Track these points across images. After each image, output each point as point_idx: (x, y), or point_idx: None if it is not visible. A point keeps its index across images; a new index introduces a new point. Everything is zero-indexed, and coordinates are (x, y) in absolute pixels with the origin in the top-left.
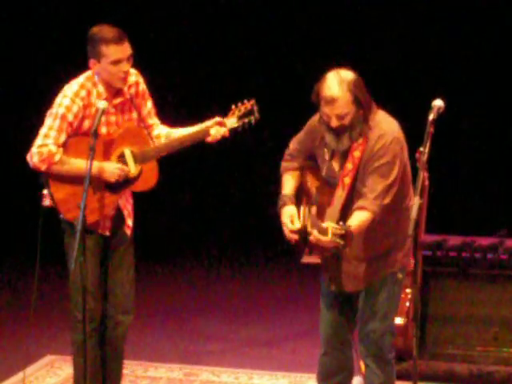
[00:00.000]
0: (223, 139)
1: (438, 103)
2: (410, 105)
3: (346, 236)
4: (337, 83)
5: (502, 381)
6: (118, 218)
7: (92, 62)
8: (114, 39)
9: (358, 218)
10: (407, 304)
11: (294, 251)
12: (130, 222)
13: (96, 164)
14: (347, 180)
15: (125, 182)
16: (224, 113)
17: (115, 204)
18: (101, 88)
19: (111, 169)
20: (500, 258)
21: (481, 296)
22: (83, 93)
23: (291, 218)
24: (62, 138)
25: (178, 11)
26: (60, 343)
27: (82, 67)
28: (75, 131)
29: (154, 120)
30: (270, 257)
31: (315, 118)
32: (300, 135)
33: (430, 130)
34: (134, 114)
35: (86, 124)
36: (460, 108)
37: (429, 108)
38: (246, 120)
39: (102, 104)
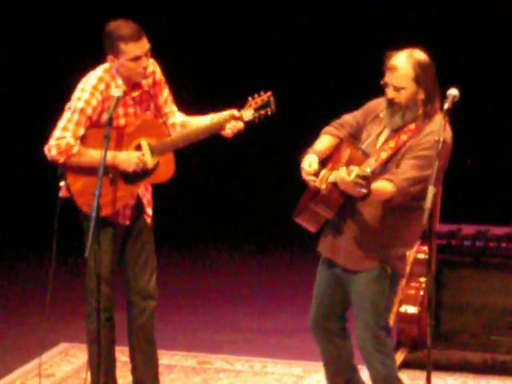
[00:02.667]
0: (238, 133)
1: (453, 92)
2: None
3: (369, 181)
4: (404, 56)
5: None
6: (138, 206)
7: (110, 57)
8: (133, 37)
9: (382, 185)
10: (421, 293)
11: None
12: (149, 210)
13: (113, 154)
14: (383, 155)
15: (142, 174)
16: (237, 100)
17: (134, 194)
18: (119, 81)
19: (129, 158)
20: None
21: (495, 285)
22: (102, 86)
23: (310, 163)
24: (81, 131)
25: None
26: (74, 331)
27: (92, 61)
28: (94, 124)
29: (169, 108)
30: (285, 246)
31: (377, 100)
32: (356, 112)
33: (445, 119)
34: (152, 105)
35: (105, 117)
36: (474, 96)
37: (444, 97)
38: (263, 112)
39: (116, 92)
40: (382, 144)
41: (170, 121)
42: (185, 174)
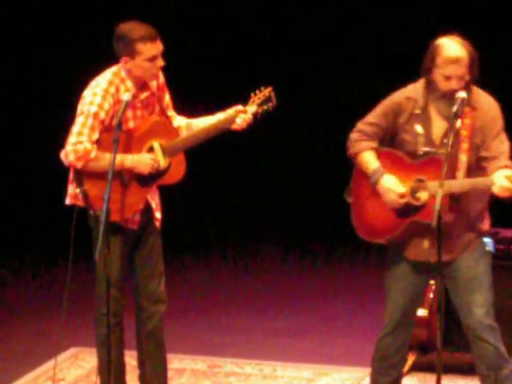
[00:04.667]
0: (248, 127)
1: (462, 95)
2: None
3: None
4: (459, 45)
5: None
6: (147, 210)
7: (124, 59)
8: (151, 37)
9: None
10: (431, 295)
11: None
12: (158, 214)
13: (130, 157)
14: (465, 145)
15: (155, 176)
16: (236, 101)
17: (145, 198)
18: (129, 83)
19: (145, 160)
20: None
21: (506, 287)
22: (112, 89)
23: (395, 183)
24: (95, 135)
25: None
26: (85, 335)
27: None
28: (106, 128)
29: (171, 112)
30: (293, 249)
31: (398, 96)
32: (375, 117)
33: (454, 122)
34: (157, 108)
35: (115, 121)
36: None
37: None
38: (265, 107)
39: (125, 96)
40: (453, 135)
41: (175, 124)
42: (192, 176)
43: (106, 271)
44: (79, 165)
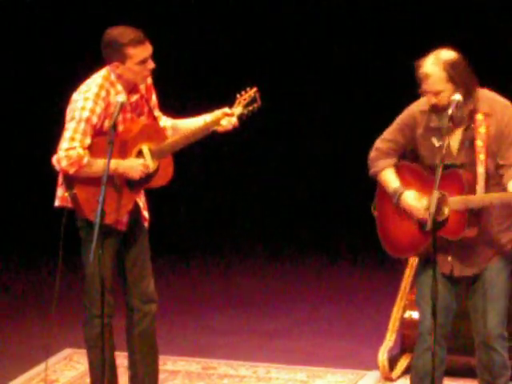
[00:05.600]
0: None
1: (457, 98)
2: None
3: None
4: (431, 61)
5: None
6: (135, 211)
7: (115, 64)
8: (140, 40)
9: None
10: None
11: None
12: (145, 213)
13: (117, 162)
14: (482, 156)
15: (144, 179)
16: (222, 102)
17: (134, 200)
18: (119, 87)
19: (136, 166)
20: None
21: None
22: (103, 93)
23: (416, 199)
24: (88, 140)
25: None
26: (78, 336)
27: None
28: (97, 133)
29: (158, 112)
30: (287, 250)
31: (412, 109)
32: (391, 133)
33: (449, 124)
34: (146, 109)
35: (107, 124)
36: None
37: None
38: (251, 108)
39: (120, 97)
40: (468, 148)
41: (161, 124)
42: (183, 179)
43: (101, 273)
44: (72, 170)
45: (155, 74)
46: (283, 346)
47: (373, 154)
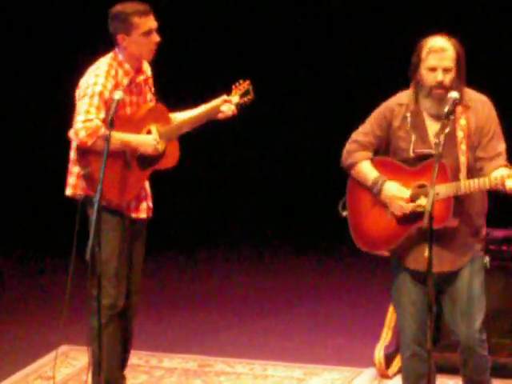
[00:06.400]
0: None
1: (454, 95)
2: None
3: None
4: (445, 39)
5: None
6: (139, 199)
7: (120, 37)
8: (146, 10)
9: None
10: None
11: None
12: (150, 203)
13: (135, 137)
14: (463, 147)
15: (152, 159)
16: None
17: (142, 182)
18: (127, 66)
19: (149, 141)
20: None
21: (496, 287)
22: (113, 72)
23: (399, 189)
24: (102, 114)
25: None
26: (75, 333)
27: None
28: (107, 110)
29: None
30: (286, 248)
31: (389, 102)
32: (368, 126)
33: (446, 122)
34: (148, 96)
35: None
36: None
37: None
38: (245, 99)
39: (117, 95)
40: (437, 138)
41: None
42: (183, 177)
43: (104, 259)
44: (90, 141)
45: (155, 74)
46: (280, 344)
47: (350, 146)
